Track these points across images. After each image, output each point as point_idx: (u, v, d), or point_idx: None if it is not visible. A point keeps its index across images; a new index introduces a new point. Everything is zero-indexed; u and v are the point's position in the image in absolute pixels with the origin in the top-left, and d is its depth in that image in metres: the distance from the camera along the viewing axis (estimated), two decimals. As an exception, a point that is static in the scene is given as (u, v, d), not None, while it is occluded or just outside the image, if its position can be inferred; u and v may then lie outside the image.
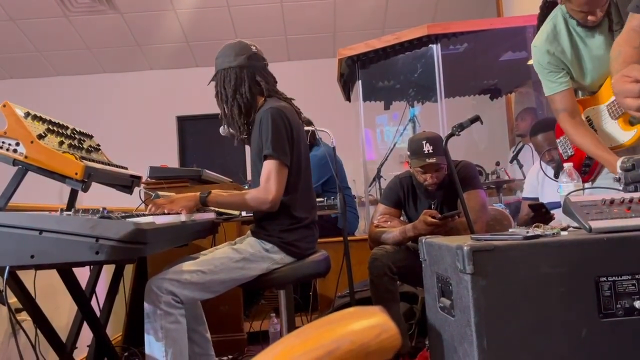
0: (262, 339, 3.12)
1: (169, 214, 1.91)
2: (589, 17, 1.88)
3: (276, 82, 2.15)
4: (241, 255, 1.96)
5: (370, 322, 0.44)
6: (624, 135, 1.92)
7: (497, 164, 3.98)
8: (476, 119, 2.19)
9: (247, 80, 2.05)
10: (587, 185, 2.05)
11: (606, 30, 1.93)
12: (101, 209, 1.62)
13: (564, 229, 1.50)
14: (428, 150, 2.38)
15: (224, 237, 2.67)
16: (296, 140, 2.03)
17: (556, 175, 2.80)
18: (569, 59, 2.00)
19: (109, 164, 1.90)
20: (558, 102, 2.01)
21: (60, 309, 2.49)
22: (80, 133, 1.91)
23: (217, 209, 2.37)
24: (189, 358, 1.90)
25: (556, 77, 2.01)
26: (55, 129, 1.71)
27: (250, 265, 1.96)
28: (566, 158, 2.18)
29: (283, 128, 1.97)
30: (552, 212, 2.27)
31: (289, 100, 2.16)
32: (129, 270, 2.90)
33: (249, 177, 4.44)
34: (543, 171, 2.90)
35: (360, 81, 4.12)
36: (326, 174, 3.64)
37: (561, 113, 2.01)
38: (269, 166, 1.95)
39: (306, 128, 3.38)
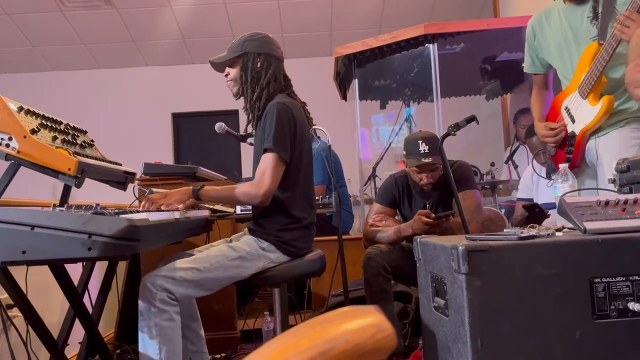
0: (256, 337, 3.11)
1: (163, 210, 1.89)
2: None
3: (292, 87, 2.19)
4: (237, 254, 1.95)
5: (366, 322, 0.43)
6: (594, 109, 1.96)
7: (492, 164, 3.98)
8: (472, 118, 2.19)
9: (272, 72, 2.07)
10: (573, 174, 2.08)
11: (589, 13, 2.00)
12: (94, 205, 1.61)
13: (558, 230, 1.50)
14: (424, 150, 2.38)
15: (218, 235, 2.66)
16: (299, 138, 2.02)
17: (548, 174, 2.81)
18: (547, 34, 2.16)
19: (102, 160, 1.88)
20: (533, 78, 2.37)
21: (52, 306, 2.48)
22: (74, 128, 1.89)
23: (210, 206, 2.36)
24: (182, 355, 1.89)
25: (534, 56, 2.28)
26: (48, 123, 1.69)
27: (246, 264, 1.96)
28: (553, 154, 2.19)
29: (287, 123, 1.97)
30: (547, 211, 2.28)
31: (302, 102, 2.17)
32: (121, 267, 2.89)
33: (243, 174, 4.42)
34: (535, 172, 2.90)
35: (356, 80, 4.12)
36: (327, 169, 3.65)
37: (534, 84, 2.36)
38: (266, 160, 1.95)
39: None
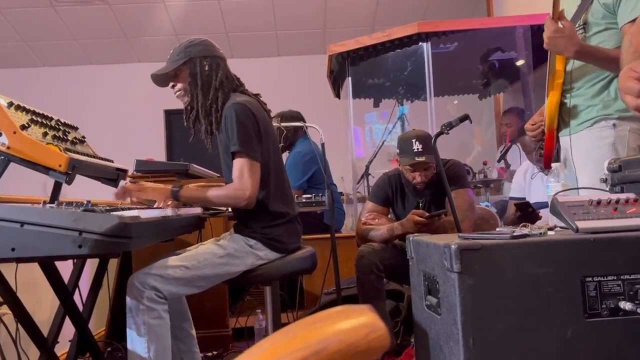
0: (248, 336, 3.11)
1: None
2: None
3: (243, 84, 2.14)
4: (225, 251, 1.95)
5: (359, 322, 0.43)
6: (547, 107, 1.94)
7: (485, 163, 3.99)
8: (465, 117, 2.19)
9: (222, 72, 2.04)
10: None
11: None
12: (85, 202, 1.60)
13: (550, 229, 1.51)
14: (418, 149, 2.38)
15: (210, 233, 2.65)
16: (264, 134, 1.99)
17: (541, 167, 2.78)
18: None
19: (94, 157, 1.87)
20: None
21: (42, 303, 2.45)
22: (65, 124, 1.87)
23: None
24: (173, 355, 1.88)
25: None
26: (39, 119, 1.67)
27: (234, 261, 1.95)
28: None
29: (249, 123, 1.93)
30: (538, 211, 2.29)
31: (255, 95, 2.13)
32: (112, 264, 2.87)
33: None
34: (536, 166, 2.91)
35: (350, 78, 4.12)
36: (311, 169, 3.60)
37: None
38: (239, 163, 1.90)
39: (293, 124, 3.36)
